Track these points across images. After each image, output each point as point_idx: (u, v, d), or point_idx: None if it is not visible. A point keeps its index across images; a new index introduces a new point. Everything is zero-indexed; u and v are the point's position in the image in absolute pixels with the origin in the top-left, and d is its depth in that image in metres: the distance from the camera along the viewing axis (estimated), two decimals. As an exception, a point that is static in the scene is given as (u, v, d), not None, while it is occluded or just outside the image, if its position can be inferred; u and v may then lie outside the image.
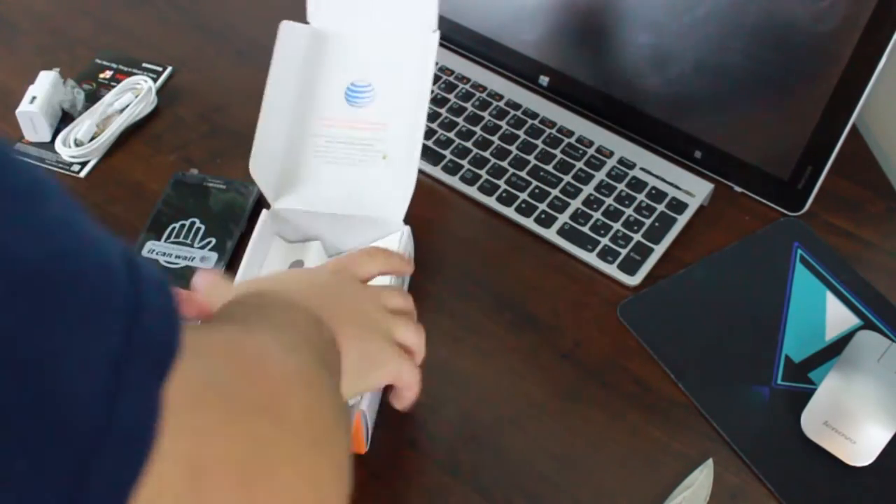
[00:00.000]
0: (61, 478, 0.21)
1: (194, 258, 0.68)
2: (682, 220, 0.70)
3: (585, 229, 0.69)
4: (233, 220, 0.70)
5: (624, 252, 0.68)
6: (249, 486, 0.28)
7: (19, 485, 0.20)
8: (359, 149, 0.64)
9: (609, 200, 0.71)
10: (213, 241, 0.69)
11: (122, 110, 0.77)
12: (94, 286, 0.23)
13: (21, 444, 0.21)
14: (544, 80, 0.79)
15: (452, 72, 0.80)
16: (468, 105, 0.77)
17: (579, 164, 0.73)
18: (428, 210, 0.72)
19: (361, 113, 0.64)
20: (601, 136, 0.75)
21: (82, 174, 0.75)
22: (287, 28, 0.66)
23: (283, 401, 0.32)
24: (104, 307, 0.23)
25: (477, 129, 0.76)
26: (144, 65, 0.83)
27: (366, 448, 0.57)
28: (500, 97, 0.78)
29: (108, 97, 0.77)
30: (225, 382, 0.29)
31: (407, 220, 0.62)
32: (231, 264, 0.68)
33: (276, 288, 0.46)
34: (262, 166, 0.63)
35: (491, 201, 0.71)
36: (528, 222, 0.70)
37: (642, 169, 0.72)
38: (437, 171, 0.73)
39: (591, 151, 0.74)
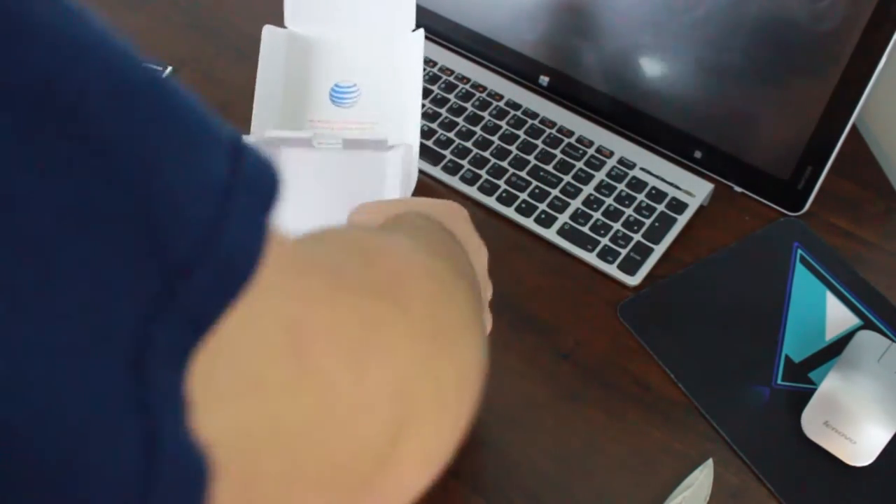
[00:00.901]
0: (148, 286, 0.19)
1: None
2: (682, 220, 0.70)
3: (585, 229, 0.69)
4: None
5: (624, 252, 0.68)
6: (359, 362, 0.25)
7: (100, 288, 0.18)
8: None
9: (609, 200, 0.71)
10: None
11: (122, 110, 0.77)
12: (201, 115, 0.21)
13: (113, 247, 0.18)
14: (544, 80, 0.79)
15: (452, 72, 0.80)
16: (468, 105, 0.77)
17: (579, 164, 0.73)
18: (428, 210, 0.72)
19: (348, 113, 0.64)
20: (601, 136, 0.75)
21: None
22: (269, 32, 0.67)
23: (403, 288, 0.29)
24: (212, 134, 0.21)
25: (477, 129, 0.76)
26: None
27: None
28: (500, 97, 0.78)
29: (108, 97, 0.77)
30: (339, 260, 0.27)
31: None
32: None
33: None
34: None
35: (491, 201, 0.71)
36: (528, 222, 0.70)
37: (642, 169, 0.72)
38: (437, 171, 0.73)
39: (591, 151, 0.74)
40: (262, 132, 0.64)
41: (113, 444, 0.18)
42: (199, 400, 0.19)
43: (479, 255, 0.49)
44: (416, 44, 0.64)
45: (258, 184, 0.22)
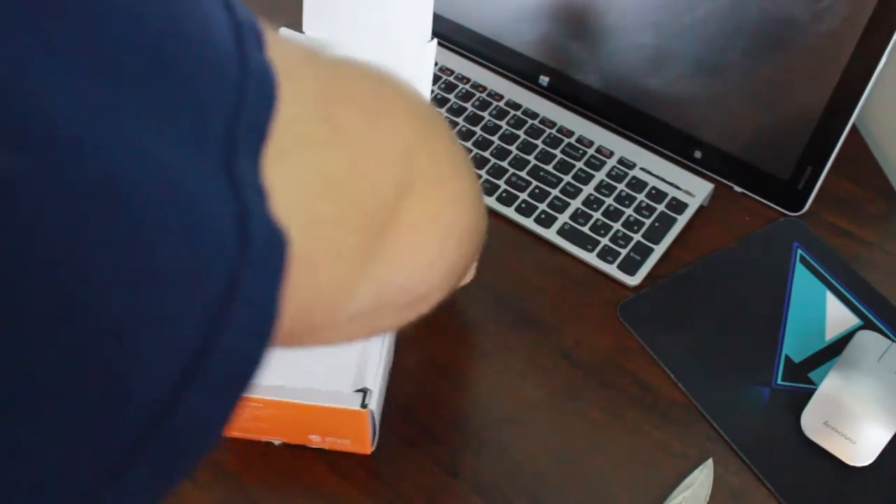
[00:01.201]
0: (227, 103, 0.23)
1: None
2: (682, 220, 0.70)
3: (585, 229, 0.69)
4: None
5: (624, 252, 0.68)
6: (372, 120, 0.30)
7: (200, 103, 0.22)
8: None
9: (609, 200, 0.71)
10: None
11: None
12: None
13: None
14: (544, 80, 0.79)
15: (452, 72, 0.80)
16: (468, 105, 0.77)
17: (579, 164, 0.73)
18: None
19: None
20: (601, 136, 0.75)
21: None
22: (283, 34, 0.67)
23: (399, 86, 0.35)
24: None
25: (477, 129, 0.76)
26: (144, 65, 0.83)
27: (372, 448, 0.57)
28: (500, 97, 0.78)
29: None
30: (344, 58, 0.32)
31: None
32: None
33: None
34: None
35: (491, 201, 0.71)
36: (528, 222, 0.70)
37: (642, 169, 0.72)
38: (437, 171, 0.73)
39: (591, 151, 0.74)
40: None
41: (216, 218, 0.21)
42: (268, 165, 0.23)
43: None
44: (427, 55, 0.64)
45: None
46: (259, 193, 0.23)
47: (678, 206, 0.70)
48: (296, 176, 0.26)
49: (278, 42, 0.26)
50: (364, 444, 0.56)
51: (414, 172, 0.32)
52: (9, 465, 0.18)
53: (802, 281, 0.66)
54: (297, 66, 0.27)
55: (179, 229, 0.20)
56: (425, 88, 0.63)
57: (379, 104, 0.32)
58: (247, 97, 0.23)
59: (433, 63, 0.63)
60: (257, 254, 0.22)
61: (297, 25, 0.68)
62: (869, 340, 0.60)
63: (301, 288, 0.25)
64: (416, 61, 0.64)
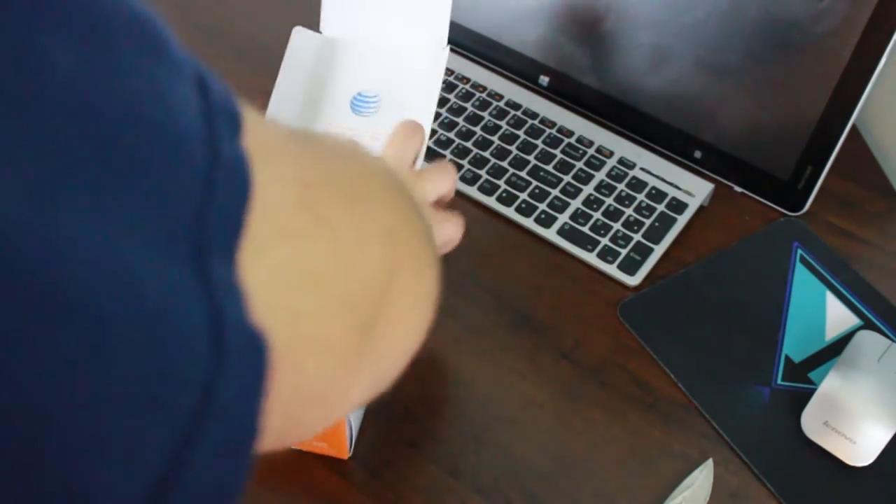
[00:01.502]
0: (194, 195, 0.21)
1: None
2: (682, 220, 0.70)
3: (585, 229, 0.69)
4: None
5: (624, 252, 0.68)
6: (353, 207, 0.29)
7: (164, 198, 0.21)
8: None
9: (609, 200, 0.71)
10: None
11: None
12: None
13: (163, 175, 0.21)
14: (544, 80, 0.79)
15: (452, 72, 0.80)
16: (468, 105, 0.77)
17: (579, 164, 0.73)
18: (428, 210, 0.72)
19: (364, 122, 0.64)
20: (601, 136, 0.75)
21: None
22: (299, 35, 0.66)
23: (374, 164, 0.34)
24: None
25: (477, 129, 0.76)
26: (144, 65, 0.83)
27: (349, 454, 0.57)
28: (500, 97, 0.78)
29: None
30: (323, 139, 0.32)
31: None
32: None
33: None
34: None
35: (491, 201, 0.71)
36: (528, 222, 0.70)
37: (642, 169, 0.72)
38: (437, 171, 0.73)
39: (591, 151, 0.74)
40: None
41: (185, 324, 0.20)
42: (246, 260, 0.22)
43: (447, 225, 0.54)
44: (438, 61, 0.63)
45: (228, 110, 0.24)
46: (235, 294, 0.21)
47: (678, 206, 0.70)
48: (276, 270, 0.24)
49: (257, 124, 0.25)
50: (341, 449, 0.56)
51: (397, 253, 0.32)
52: None
53: (802, 281, 0.66)
54: (276, 150, 0.26)
55: (144, 341, 0.19)
56: (434, 95, 0.63)
57: (359, 188, 0.31)
58: (217, 190, 0.21)
59: (444, 69, 0.63)
60: (234, 363, 0.21)
61: (308, 22, 0.68)
62: (869, 340, 0.60)
63: (287, 388, 0.24)
64: (429, 67, 0.64)
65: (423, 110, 0.62)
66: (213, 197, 0.21)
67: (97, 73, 0.20)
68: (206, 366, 0.20)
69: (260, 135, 0.25)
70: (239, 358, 0.21)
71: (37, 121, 0.18)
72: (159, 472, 0.19)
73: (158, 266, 0.19)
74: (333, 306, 0.27)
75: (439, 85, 0.63)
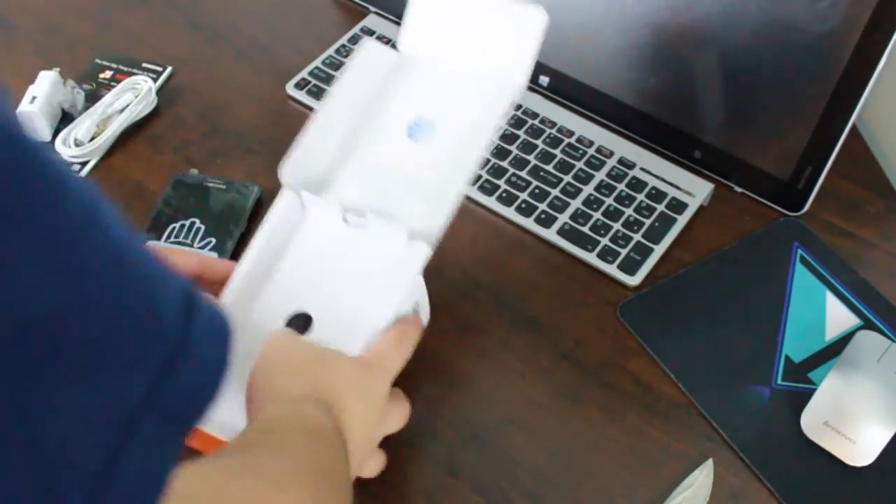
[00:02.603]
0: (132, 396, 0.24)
1: (194, 258, 0.68)
2: (682, 220, 0.70)
3: (585, 229, 0.69)
4: (233, 221, 0.70)
5: (624, 252, 0.68)
6: None
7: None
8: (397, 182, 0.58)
9: (609, 200, 0.71)
10: (213, 241, 0.69)
11: (122, 110, 0.77)
12: (121, 333, 0.25)
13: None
14: (544, 80, 0.79)
15: (452, 72, 0.80)
16: (468, 105, 0.77)
17: (579, 164, 0.73)
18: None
19: (416, 147, 0.58)
20: (601, 136, 0.75)
21: (82, 174, 0.75)
22: (369, 47, 0.61)
23: None
24: (132, 356, 0.25)
25: (477, 129, 0.76)
26: (144, 65, 0.83)
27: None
28: (500, 97, 0.78)
29: (108, 97, 0.77)
30: None
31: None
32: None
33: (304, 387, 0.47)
34: (297, 173, 0.57)
35: (491, 201, 0.71)
36: (528, 222, 0.70)
37: (642, 169, 0.72)
38: (437, 171, 0.73)
39: (591, 151, 0.74)
40: (297, 180, 0.57)
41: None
42: None
43: (392, 416, 0.53)
44: (506, 96, 0.57)
45: (181, 401, 0.27)
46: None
47: (678, 206, 0.70)
48: None
49: (282, 443, 0.30)
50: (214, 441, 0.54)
51: None
52: None
53: (802, 281, 0.66)
54: (293, 480, 0.31)
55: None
56: (489, 130, 0.56)
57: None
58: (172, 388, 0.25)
59: (509, 108, 0.57)
60: None
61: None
62: (869, 340, 0.60)
63: None
64: (494, 100, 0.57)
65: (474, 144, 0.56)
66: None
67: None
68: None
69: (279, 460, 0.30)
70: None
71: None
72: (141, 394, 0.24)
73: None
74: None
75: (499, 122, 0.57)
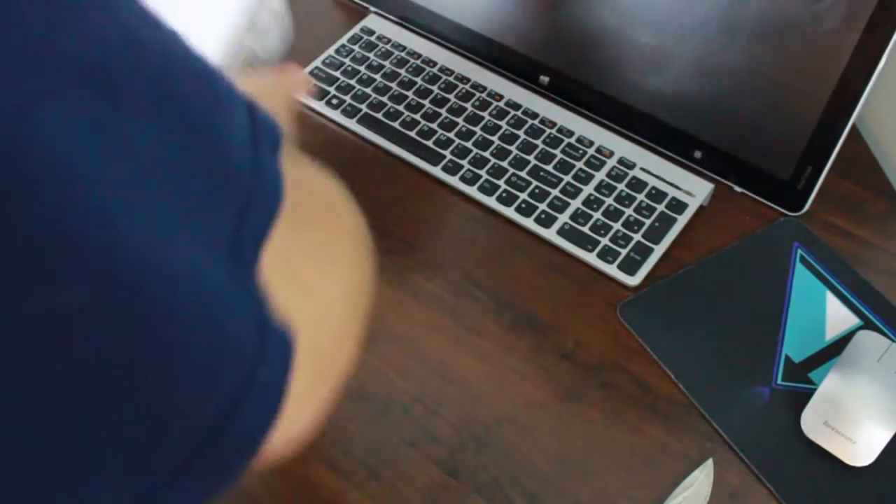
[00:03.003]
0: (231, 208, 0.25)
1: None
2: (682, 220, 0.70)
3: (585, 229, 0.69)
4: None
5: (624, 252, 0.68)
6: (327, 273, 0.34)
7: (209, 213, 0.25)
8: None
9: (609, 200, 0.71)
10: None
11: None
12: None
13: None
14: (544, 80, 0.79)
15: (452, 72, 0.80)
16: (468, 105, 0.77)
17: (579, 164, 0.73)
18: (427, 210, 0.72)
19: None
20: (601, 136, 0.75)
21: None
22: None
23: (338, 220, 0.38)
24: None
25: (477, 129, 0.76)
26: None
27: None
28: (500, 97, 0.78)
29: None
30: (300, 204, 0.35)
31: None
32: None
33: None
34: None
35: (491, 201, 0.71)
36: (528, 222, 0.70)
37: (642, 169, 0.72)
38: (437, 171, 0.73)
39: (591, 151, 0.74)
40: None
41: (240, 329, 0.25)
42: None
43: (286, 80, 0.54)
44: None
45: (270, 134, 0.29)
46: (265, 299, 0.26)
47: (678, 206, 0.70)
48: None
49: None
50: None
51: (355, 310, 0.36)
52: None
53: (802, 281, 0.66)
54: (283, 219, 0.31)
55: (207, 349, 0.24)
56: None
57: (330, 252, 0.36)
58: (254, 204, 0.26)
59: None
60: (271, 355, 0.26)
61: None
62: (869, 340, 0.60)
63: None
64: None
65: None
66: (250, 210, 0.26)
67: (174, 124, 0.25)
68: (252, 358, 0.25)
69: None
70: (275, 350, 0.26)
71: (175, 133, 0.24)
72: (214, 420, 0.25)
73: (218, 277, 0.24)
74: (305, 355, 0.30)
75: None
